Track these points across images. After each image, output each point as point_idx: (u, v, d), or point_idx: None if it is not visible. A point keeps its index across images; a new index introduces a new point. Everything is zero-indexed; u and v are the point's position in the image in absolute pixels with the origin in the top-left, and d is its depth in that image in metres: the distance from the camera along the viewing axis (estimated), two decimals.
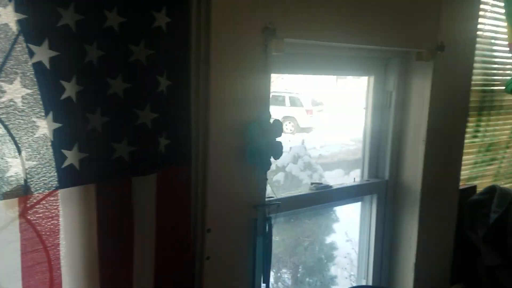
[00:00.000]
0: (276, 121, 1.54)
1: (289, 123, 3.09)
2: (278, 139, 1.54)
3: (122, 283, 1.28)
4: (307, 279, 2.78)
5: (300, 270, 2.78)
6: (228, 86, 1.39)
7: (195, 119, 1.36)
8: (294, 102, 3.09)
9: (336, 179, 2.37)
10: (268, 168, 1.55)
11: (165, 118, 1.26)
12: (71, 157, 1.11)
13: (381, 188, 2.18)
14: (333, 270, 2.83)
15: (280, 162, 2.81)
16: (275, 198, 1.67)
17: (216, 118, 1.39)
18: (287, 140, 2.80)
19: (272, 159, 1.54)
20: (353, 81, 2.17)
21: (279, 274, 2.76)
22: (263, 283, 1.61)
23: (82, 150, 1.13)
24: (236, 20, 1.38)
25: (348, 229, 2.41)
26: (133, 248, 1.29)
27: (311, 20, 1.56)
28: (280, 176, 2.85)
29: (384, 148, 2.17)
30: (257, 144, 1.47)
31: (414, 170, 2.11)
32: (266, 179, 1.58)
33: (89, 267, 1.22)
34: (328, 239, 2.85)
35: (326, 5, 1.60)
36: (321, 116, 3.13)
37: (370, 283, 2.24)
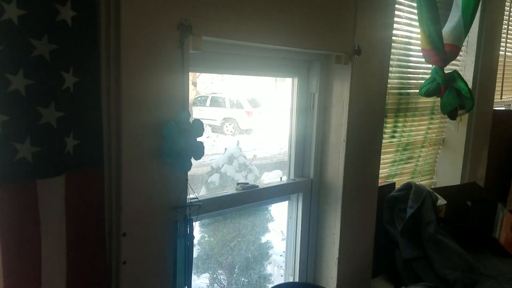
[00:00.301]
0: (196, 121, 1.52)
1: (230, 124, 3.09)
2: (199, 139, 1.53)
3: None
4: (243, 278, 2.79)
5: (236, 270, 2.79)
6: (141, 84, 1.35)
7: (106, 118, 1.31)
8: (234, 104, 3.09)
9: (274, 179, 2.41)
10: (189, 169, 1.53)
11: (72, 117, 1.20)
12: None
13: (306, 187, 2.24)
14: (269, 268, 2.87)
15: (215, 163, 2.80)
16: (197, 199, 1.65)
17: (129, 117, 1.34)
18: (213, 140, 2.80)
19: (207, 160, 1.52)
20: (291, 83, 2.22)
21: (215, 275, 2.75)
22: (185, 286, 1.58)
23: None
24: (148, 15, 1.34)
25: (284, 228, 2.45)
26: (41, 255, 1.21)
27: (230, 19, 1.56)
28: (215, 177, 2.84)
29: (309, 148, 2.23)
30: (176, 144, 1.44)
31: (336, 168, 2.18)
32: (187, 180, 1.55)
33: None
34: (264, 238, 2.89)
35: (246, 5, 1.61)
36: (261, 117, 3.16)
37: (297, 280, 2.28)
